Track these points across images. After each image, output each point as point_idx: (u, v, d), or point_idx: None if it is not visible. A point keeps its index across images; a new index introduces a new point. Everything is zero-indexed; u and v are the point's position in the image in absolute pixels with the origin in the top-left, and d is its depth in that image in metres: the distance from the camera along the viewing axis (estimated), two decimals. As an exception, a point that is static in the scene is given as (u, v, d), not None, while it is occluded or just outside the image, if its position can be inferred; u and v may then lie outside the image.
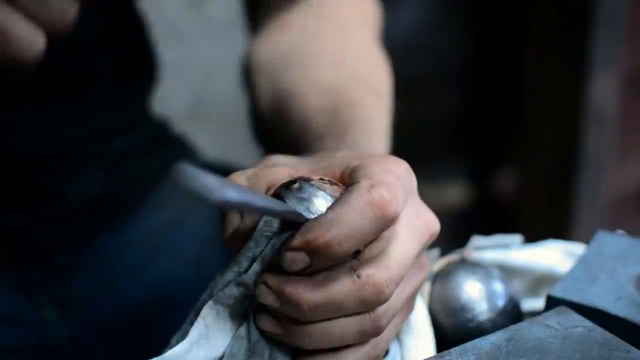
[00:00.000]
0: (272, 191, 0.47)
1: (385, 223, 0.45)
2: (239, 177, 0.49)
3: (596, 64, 1.79)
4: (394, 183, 0.45)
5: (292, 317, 0.45)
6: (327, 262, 0.44)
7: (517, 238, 0.65)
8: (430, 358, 0.47)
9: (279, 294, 0.44)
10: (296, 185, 0.47)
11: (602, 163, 1.90)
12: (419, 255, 0.49)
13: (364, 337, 0.46)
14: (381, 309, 0.46)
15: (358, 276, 0.44)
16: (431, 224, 0.50)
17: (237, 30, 1.23)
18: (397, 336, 0.54)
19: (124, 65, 0.78)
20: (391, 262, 0.45)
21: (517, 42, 1.96)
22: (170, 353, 0.46)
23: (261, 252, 0.46)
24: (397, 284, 0.46)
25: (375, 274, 0.44)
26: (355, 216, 0.43)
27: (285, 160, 0.52)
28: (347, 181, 0.48)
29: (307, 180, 0.47)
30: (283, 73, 0.71)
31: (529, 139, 1.96)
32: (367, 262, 0.45)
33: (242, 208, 0.44)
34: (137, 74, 0.82)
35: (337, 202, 0.45)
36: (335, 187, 0.47)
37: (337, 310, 0.45)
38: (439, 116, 2.04)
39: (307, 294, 0.44)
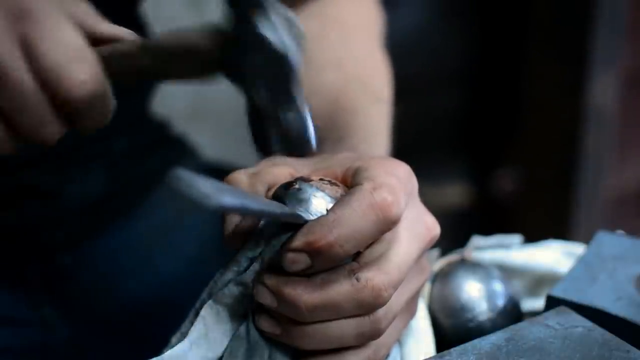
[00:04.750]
0: (272, 191, 0.47)
1: (387, 225, 0.45)
2: (240, 176, 0.49)
3: (596, 64, 1.79)
4: (396, 185, 0.46)
5: (290, 317, 0.45)
6: (328, 263, 0.44)
7: (517, 238, 0.65)
8: (430, 358, 0.48)
9: (277, 295, 0.44)
10: (296, 185, 0.47)
11: (602, 163, 1.90)
12: (419, 258, 0.48)
13: (363, 340, 0.46)
14: (380, 311, 0.45)
15: (357, 279, 0.44)
16: (431, 227, 0.50)
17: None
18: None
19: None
20: (391, 265, 0.45)
21: (517, 42, 1.96)
22: (170, 353, 0.46)
23: (261, 252, 0.46)
24: (395, 288, 0.45)
25: (374, 277, 0.44)
26: (357, 218, 0.44)
27: (286, 161, 0.52)
28: (348, 182, 0.48)
29: (306, 180, 0.47)
30: None
31: (529, 139, 1.96)
32: (367, 265, 0.45)
33: (239, 212, 0.44)
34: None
35: (338, 203, 0.45)
36: (335, 187, 0.47)
37: (335, 312, 0.45)
38: (439, 116, 2.03)
39: (306, 295, 0.44)
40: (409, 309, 0.51)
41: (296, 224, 0.45)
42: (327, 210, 0.45)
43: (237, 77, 0.45)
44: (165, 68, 0.47)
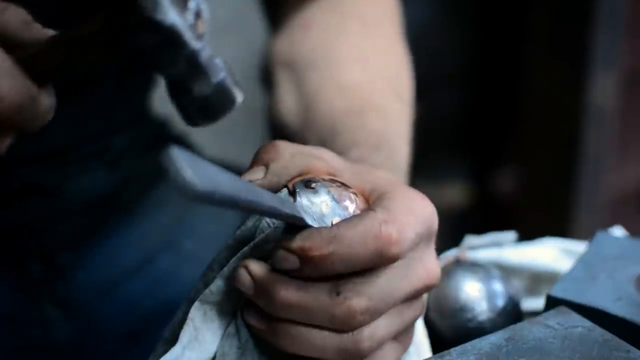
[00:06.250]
0: (292, 182, 0.48)
1: (383, 260, 0.44)
2: (284, 146, 0.49)
3: (596, 64, 1.79)
4: (409, 224, 0.45)
5: (264, 309, 0.45)
6: (314, 273, 0.44)
7: (510, 235, 0.65)
8: (430, 358, 0.48)
9: (256, 282, 0.45)
10: (314, 186, 0.47)
11: (602, 163, 1.90)
12: (409, 296, 0.48)
13: (345, 357, 0.46)
14: (365, 333, 0.45)
15: (337, 293, 0.44)
16: (431, 274, 0.49)
17: (237, 30, 1.23)
18: None
19: (124, 63, 0.78)
20: (375, 293, 0.45)
21: (517, 41, 1.96)
22: (163, 359, 0.47)
23: (254, 242, 0.47)
24: (373, 316, 0.45)
25: (353, 297, 0.44)
26: (356, 242, 0.44)
27: (332, 161, 0.51)
28: (370, 202, 0.48)
29: (326, 185, 0.47)
30: (306, 75, 0.71)
31: (529, 139, 1.96)
32: (352, 285, 0.45)
33: (228, 207, 0.43)
34: (138, 73, 0.82)
35: (345, 221, 0.45)
36: (352, 196, 0.47)
37: (307, 317, 0.45)
38: (439, 116, 2.04)
39: (283, 291, 0.44)
40: (401, 341, 0.50)
41: (297, 226, 0.45)
42: (332, 222, 0.45)
43: (140, 57, 0.45)
44: (76, 59, 0.47)
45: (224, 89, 0.45)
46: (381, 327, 0.46)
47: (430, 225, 0.48)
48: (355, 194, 0.48)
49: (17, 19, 0.47)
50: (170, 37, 0.43)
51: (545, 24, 1.85)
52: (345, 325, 0.45)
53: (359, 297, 0.44)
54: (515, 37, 1.97)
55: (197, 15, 0.44)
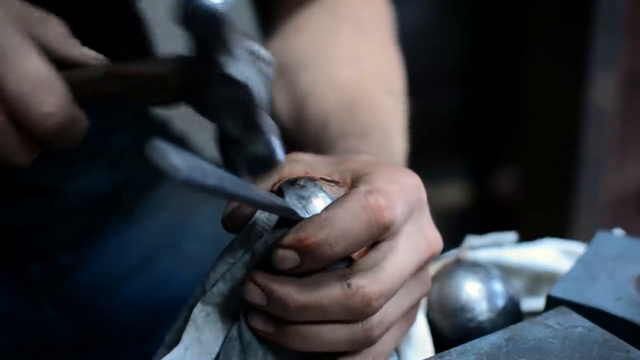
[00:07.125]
0: (277, 185, 0.48)
1: (379, 229, 0.44)
2: None
3: (596, 64, 1.79)
4: (394, 192, 0.45)
5: (279, 316, 0.45)
6: (317, 264, 0.44)
7: (511, 236, 0.65)
8: (430, 358, 0.48)
9: (267, 292, 0.44)
10: (300, 182, 0.47)
11: (602, 163, 1.90)
12: (417, 271, 0.48)
13: (356, 346, 0.46)
14: (375, 320, 0.45)
15: (348, 285, 0.44)
16: (433, 243, 0.49)
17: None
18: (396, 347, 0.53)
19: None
20: (384, 275, 0.45)
21: (517, 41, 1.96)
22: (166, 359, 0.46)
23: (253, 247, 0.46)
24: (387, 298, 0.45)
25: (365, 285, 0.44)
26: (348, 218, 0.43)
27: (306, 158, 0.52)
28: (351, 186, 0.48)
29: (311, 179, 0.47)
30: (299, 75, 0.71)
31: (529, 139, 1.96)
32: (360, 272, 0.45)
33: (215, 193, 0.44)
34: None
35: (332, 203, 0.45)
36: (340, 190, 0.48)
37: (323, 315, 0.44)
38: (439, 116, 2.04)
39: (295, 295, 0.44)
40: (408, 318, 0.50)
41: (291, 221, 0.45)
42: None
43: (202, 107, 0.46)
44: (131, 94, 0.47)
45: (273, 149, 0.46)
46: (390, 310, 0.46)
47: (417, 193, 0.48)
48: (339, 184, 0.48)
49: (57, 32, 0.47)
50: (243, 95, 0.43)
51: (546, 24, 1.86)
52: (363, 314, 0.45)
53: (371, 283, 0.44)
54: (515, 37, 1.97)
55: (265, 74, 0.45)
